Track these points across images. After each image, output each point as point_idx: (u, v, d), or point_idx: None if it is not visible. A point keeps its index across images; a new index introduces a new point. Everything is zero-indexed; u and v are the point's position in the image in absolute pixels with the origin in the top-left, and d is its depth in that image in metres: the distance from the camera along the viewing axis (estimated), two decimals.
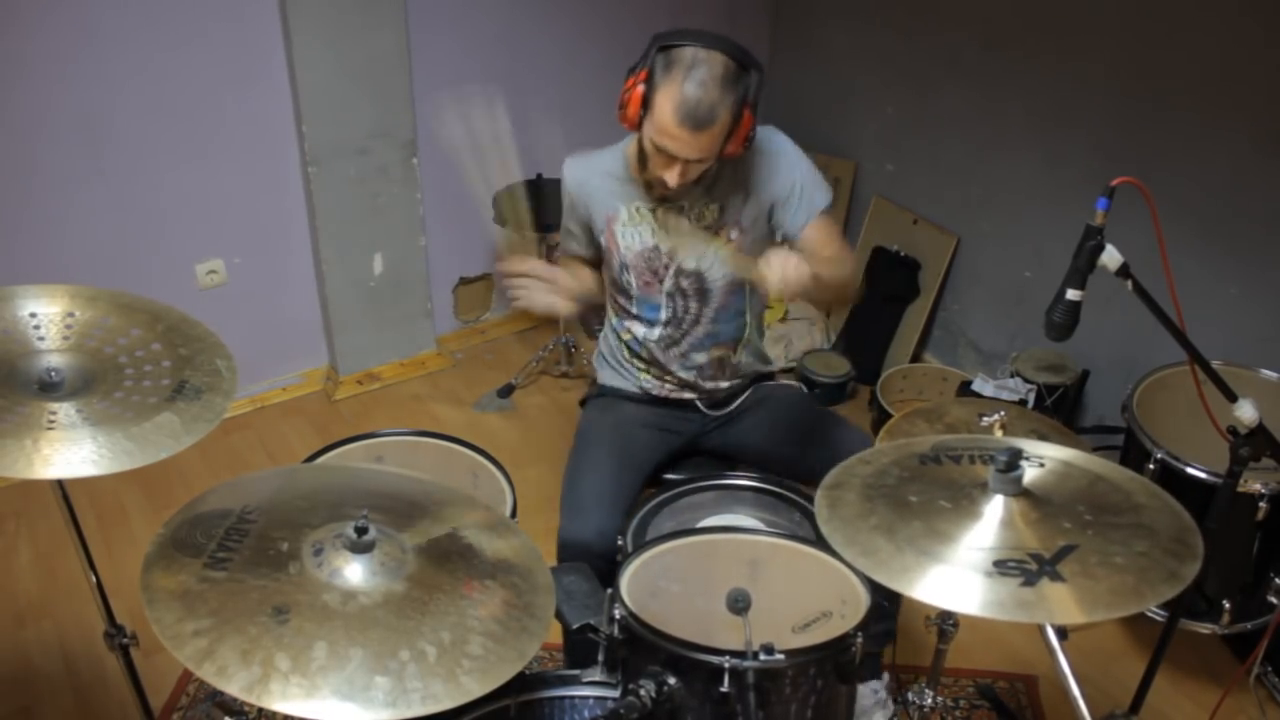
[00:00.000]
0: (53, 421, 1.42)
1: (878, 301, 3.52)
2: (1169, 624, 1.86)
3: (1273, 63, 2.45)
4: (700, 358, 2.18)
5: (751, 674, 1.42)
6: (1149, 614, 2.26)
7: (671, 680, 1.48)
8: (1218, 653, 2.47)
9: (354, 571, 1.33)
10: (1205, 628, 2.23)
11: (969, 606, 1.30)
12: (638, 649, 1.53)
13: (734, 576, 1.63)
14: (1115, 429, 2.89)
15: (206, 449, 2.01)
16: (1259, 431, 1.61)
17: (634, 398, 2.24)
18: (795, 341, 3.54)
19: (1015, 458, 1.43)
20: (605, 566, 1.92)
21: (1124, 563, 1.35)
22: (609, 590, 1.59)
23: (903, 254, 3.47)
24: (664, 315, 2.13)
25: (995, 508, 1.43)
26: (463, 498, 1.59)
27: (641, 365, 2.22)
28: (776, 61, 3.86)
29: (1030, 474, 1.49)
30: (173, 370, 1.56)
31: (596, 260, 2.21)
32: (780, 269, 1.78)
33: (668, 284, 2.10)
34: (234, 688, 1.16)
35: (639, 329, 2.18)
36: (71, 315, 1.61)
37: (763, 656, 1.43)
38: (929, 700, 2.16)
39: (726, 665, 1.43)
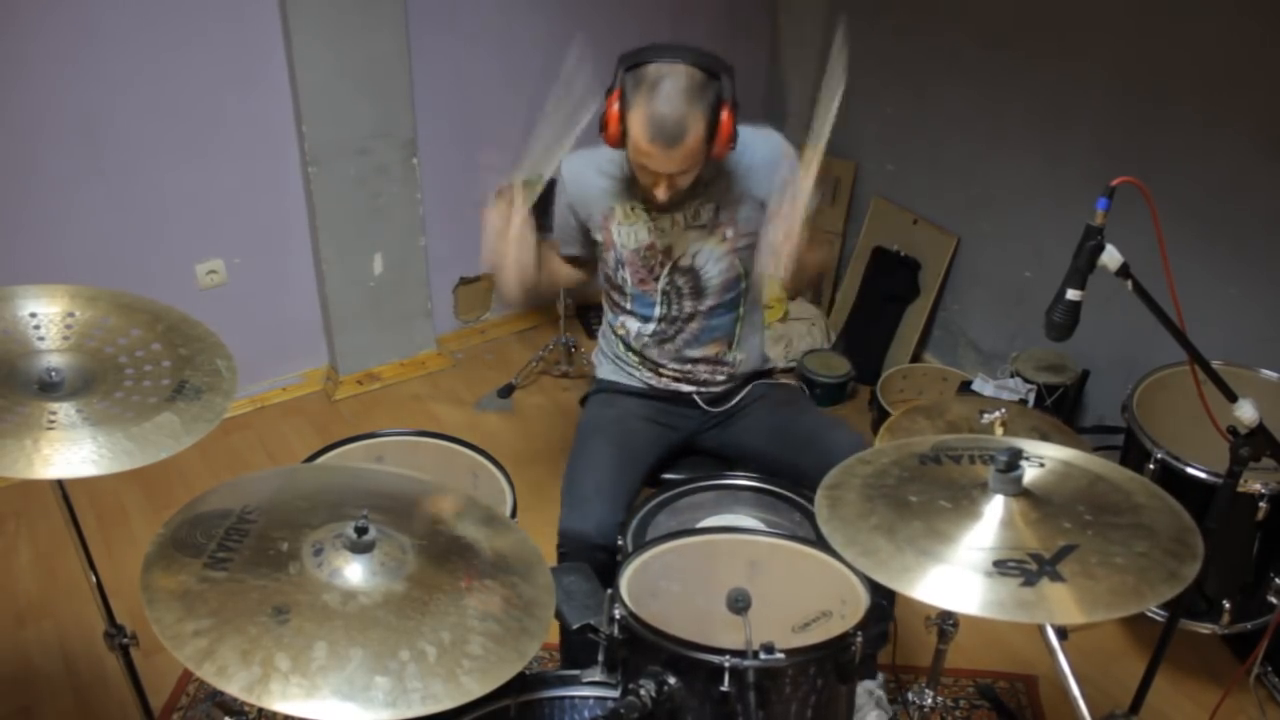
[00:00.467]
0: (53, 421, 1.43)
1: (878, 301, 3.52)
2: (1169, 624, 1.86)
3: (1273, 62, 2.45)
4: (694, 353, 2.18)
5: (751, 673, 1.42)
6: (1149, 614, 2.26)
7: (671, 680, 1.48)
8: (1218, 653, 2.47)
9: (354, 571, 1.33)
10: (1205, 628, 2.23)
11: (969, 606, 1.30)
12: (638, 649, 1.53)
13: (734, 576, 1.63)
14: (1115, 429, 2.89)
15: (206, 449, 2.01)
16: (1259, 431, 1.61)
17: (634, 392, 2.25)
18: (795, 341, 3.54)
19: (1015, 458, 1.43)
20: (605, 558, 1.92)
21: (1124, 563, 1.35)
22: (609, 590, 1.59)
23: (903, 254, 3.47)
24: (658, 312, 2.15)
25: (995, 508, 1.43)
26: (463, 498, 1.59)
27: (638, 360, 2.23)
28: (777, 62, 3.86)
29: (1030, 474, 1.49)
30: (173, 370, 1.57)
31: (588, 260, 2.22)
32: (780, 239, 1.86)
33: (663, 281, 2.11)
34: (234, 688, 1.16)
35: (633, 325, 2.19)
36: (71, 315, 1.61)
37: (763, 656, 1.43)
38: (929, 700, 2.16)
39: (726, 665, 1.43)
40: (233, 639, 1.20)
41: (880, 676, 2.14)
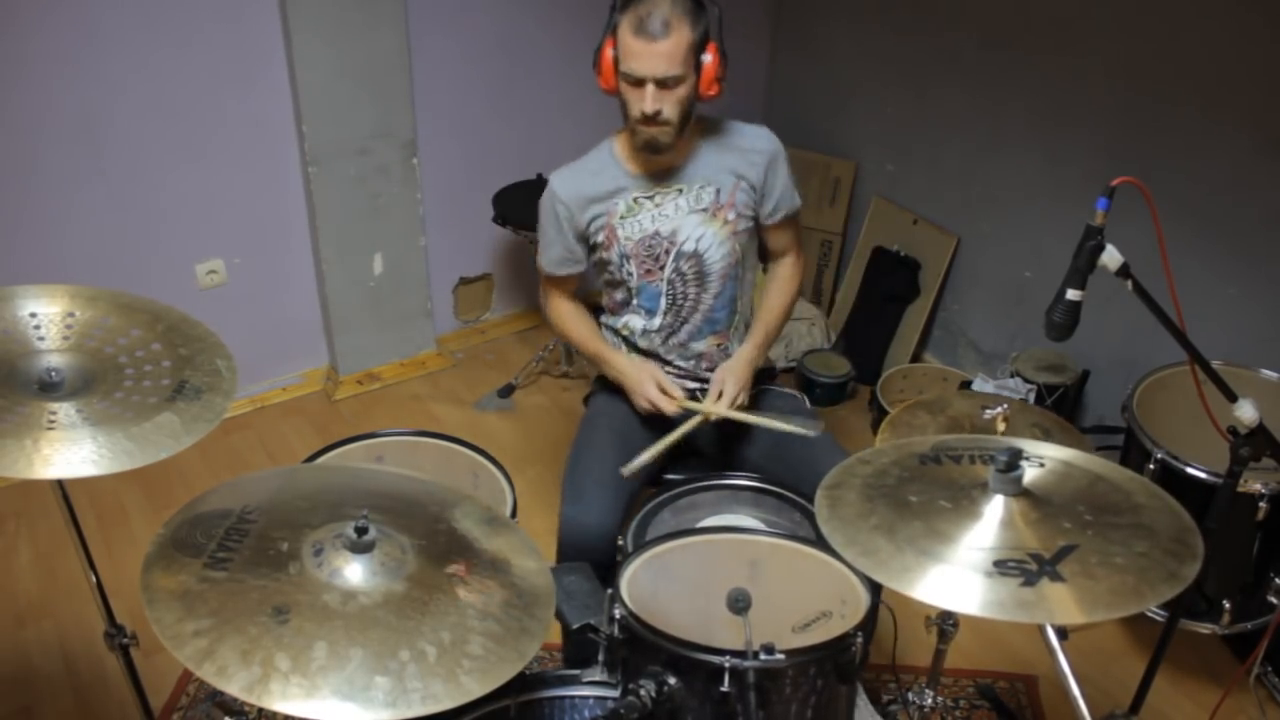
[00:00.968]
0: (53, 421, 1.42)
1: (878, 301, 3.52)
2: (1169, 624, 1.86)
3: (1273, 62, 2.45)
4: (699, 346, 2.20)
5: (752, 674, 1.42)
6: (1149, 614, 2.26)
7: (671, 680, 1.48)
8: (1218, 653, 2.47)
9: (354, 571, 1.33)
10: (1205, 628, 2.23)
11: (969, 606, 1.30)
12: (638, 649, 1.53)
13: (734, 576, 1.63)
14: (1115, 429, 2.89)
15: (206, 449, 2.01)
16: (1259, 431, 1.61)
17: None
18: (795, 341, 3.54)
19: (1015, 458, 1.43)
20: (606, 550, 1.92)
21: (1124, 563, 1.35)
22: (609, 590, 1.59)
23: (903, 254, 3.47)
24: (663, 303, 2.16)
25: (995, 508, 1.43)
26: (463, 498, 1.59)
27: (640, 358, 2.23)
28: (776, 61, 3.86)
29: (1030, 474, 1.49)
30: (173, 370, 1.57)
31: (580, 276, 2.26)
32: (724, 401, 2.07)
33: (668, 269, 2.13)
34: (234, 688, 1.16)
35: (637, 322, 2.20)
36: (72, 315, 1.61)
37: (763, 656, 1.43)
38: (929, 700, 2.16)
39: (727, 665, 1.43)
40: (233, 639, 1.20)
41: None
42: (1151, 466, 2.11)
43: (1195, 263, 2.63)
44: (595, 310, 2.33)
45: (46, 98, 2.71)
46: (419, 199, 3.32)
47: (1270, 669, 2.32)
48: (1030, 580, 1.32)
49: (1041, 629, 1.45)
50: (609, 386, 2.29)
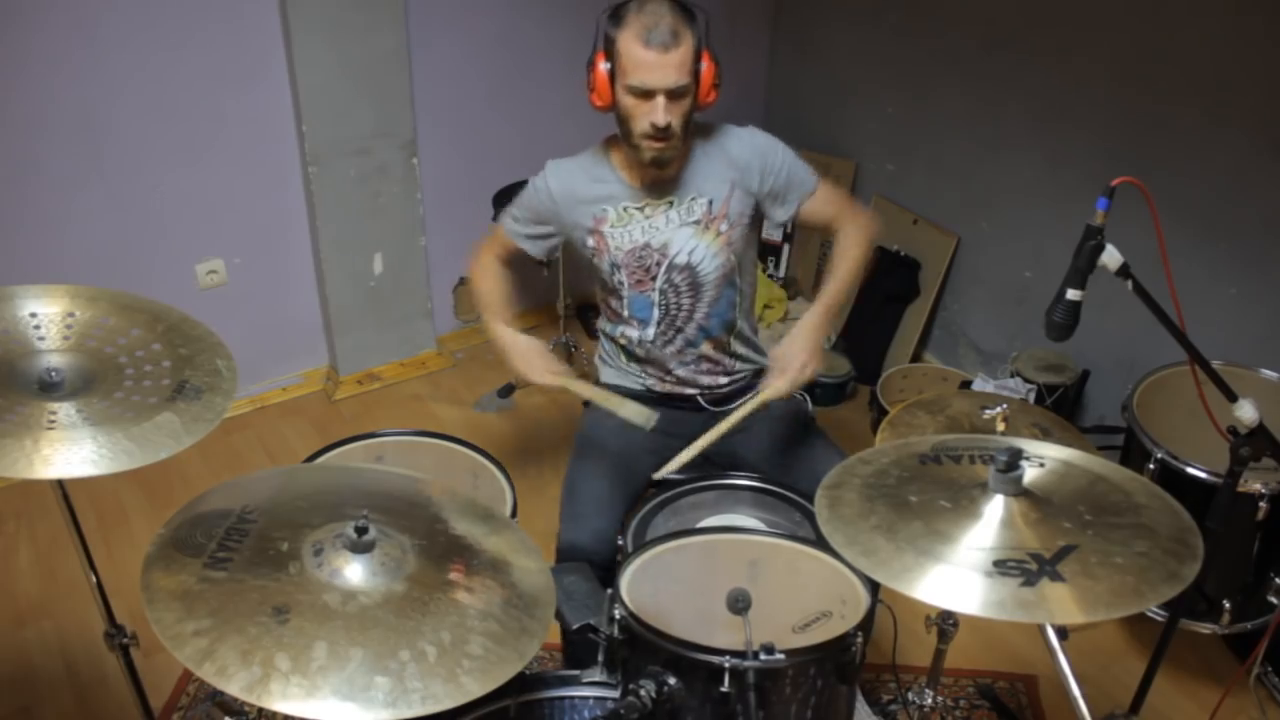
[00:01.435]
0: (53, 421, 1.42)
1: (878, 301, 3.52)
2: (1169, 624, 1.86)
3: (1273, 63, 2.45)
4: (696, 352, 2.18)
5: (752, 674, 1.42)
6: (1149, 614, 2.26)
7: (672, 680, 1.48)
8: (1218, 653, 2.46)
9: (354, 571, 1.33)
10: (1205, 628, 2.23)
11: (969, 606, 1.30)
12: (638, 649, 1.53)
13: (734, 576, 1.63)
14: (1115, 429, 2.89)
15: (206, 449, 2.01)
16: (1259, 431, 1.61)
17: (636, 397, 2.23)
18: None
19: (1015, 458, 1.43)
20: (603, 574, 1.92)
21: (1124, 563, 1.35)
22: (609, 590, 1.59)
23: (903, 254, 3.47)
24: (656, 314, 2.14)
25: (995, 508, 1.43)
26: (463, 498, 1.59)
27: (639, 366, 2.22)
28: (776, 61, 3.86)
29: (1030, 474, 1.49)
30: (173, 370, 1.56)
31: (519, 255, 2.27)
32: (788, 379, 1.97)
33: (660, 280, 2.10)
34: (234, 688, 1.16)
35: (632, 333, 2.18)
36: (72, 315, 1.61)
37: (763, 656, 1.43)
38: (929, 700, 2.16)
39: (727, 665, 1.43)
40: (233, 639, 1.20)
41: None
42: (1151, 466, 2.11)
43: (1195, 263, 2.63)
44: (584, 310, 2.31)
45: (47, 98, 2.71)
46: (419, 199, 3.32)
47: (1270, 669, 2.32)
48: (1030, 580, 1.31)
49: (1041, 629, 1.45)
50: (609, 390, 2.27)
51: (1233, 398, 1.59)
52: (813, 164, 2.16)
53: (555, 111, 3.48)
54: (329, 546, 1.35)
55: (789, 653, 1.45)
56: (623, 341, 2.21)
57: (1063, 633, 1.47)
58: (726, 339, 2.19)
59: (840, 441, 2.20)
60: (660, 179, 2.06)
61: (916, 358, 3.51)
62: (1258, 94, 2.50)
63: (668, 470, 1.99)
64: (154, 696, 2.07)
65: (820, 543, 1.74)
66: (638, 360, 2.22)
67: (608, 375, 2.29)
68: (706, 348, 2.18)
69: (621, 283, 2.12)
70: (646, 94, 1.91)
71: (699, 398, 2.22)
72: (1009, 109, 3.08)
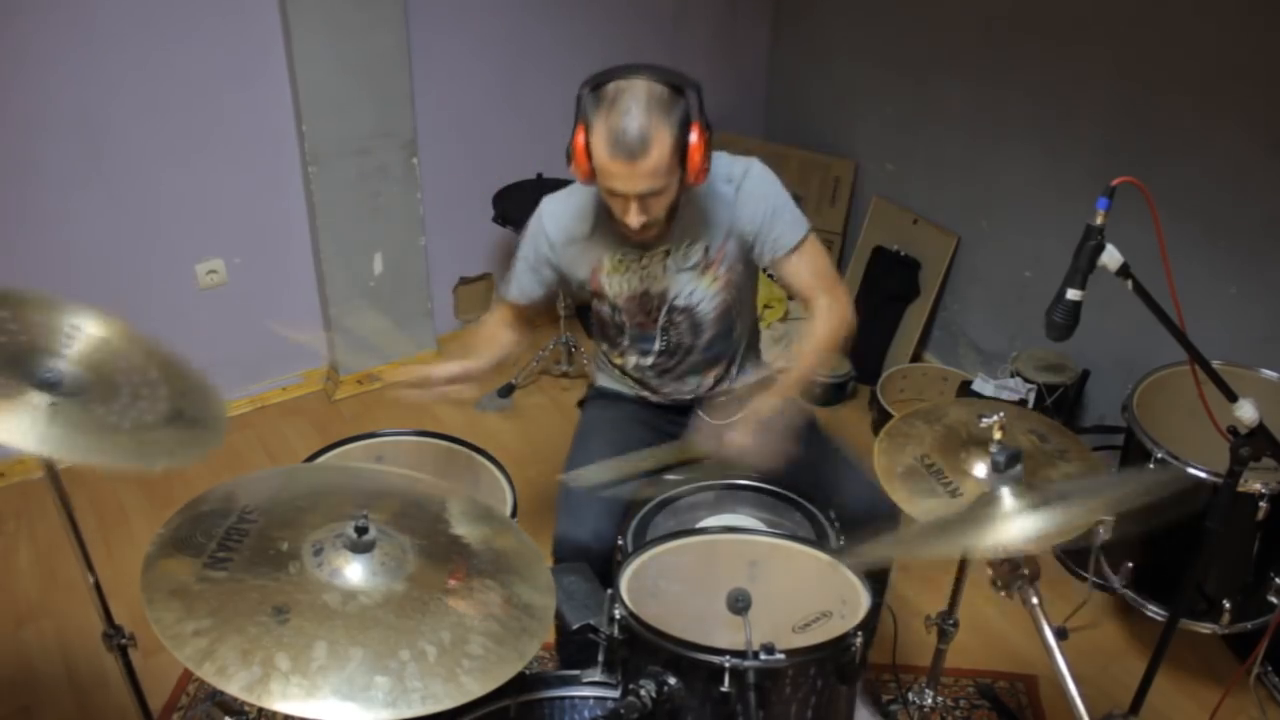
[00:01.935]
0: (55, 406, 1.43)
1: (878, 301, 3.52)
2: (1169, 624, 1.86)
3: (1273, 63, 2.45)
4: (696, 380, 2.17)
5: (752, 674, 1.42)
6: (1149, 614, 2.26)
7: (672, 680, 1.48)
8: (1218, 653, 2.46)
9: (354, 571, 1.33)
10: (1205, 628, 2.23)
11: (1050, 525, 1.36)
12: (638, 649, 1.53)
13: (734, 576, 1.63)
14: (1115, 429, 2.89)
15: None
16: (1259, 431, 1.61)
17: (632, 399, 2.24)
18: (795, 341, 3.54)
19: (1015, 458, 1.44)
20: (601, 567, 1.91)
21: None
22: (609, 590, 1.59)
23: (903, 254, 3.47)
24: (659, 346, 2.12)
25: (1007, 498, 1.45)
26: (463, 498, 1.59)
27: (635, 382, 2.21)
28: (776, 60, 3.86)
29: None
30: (169, 397, 1.58)
31: (543, 301, 2.16)
32: (740, 448, 1.85)
33: (661, 320, 2.08)
34: (234, 688, 1.16)
35: (632, 359, 2.17)
36: (107, 341, 1.60)
37: (763, 656, 1.43)
38: (929, 700, 2.16)
39: (727, 665, 1.43)
40: (233, 639, 1.20)
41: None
42: (1151, 466, 2.11)
43: (1195, 263, 2.63)
44: (584, 310, 2.28)
45: (46, 97, 2.71)
46: (419, 199, 3.31)
47: (1270, 669, 2.32)
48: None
49: (1041, 629, 1.45)
50: (604, 394, 2.28)
51: (1233, 398, 1.59)
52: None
53: (556, 111, 3.46)
54: (329, 546, 1.35)
55: (789, 653, 1.45)
56: (619, 362, 2.20)
57: (1062, 633, 1.47)
58: (728, 364, 2.19)
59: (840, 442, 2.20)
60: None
61: (916, 358, 3.51)
62: (1258, 94, 2.50)
63: (579, 477, 1.93)
64: (154, 697, 2.07)
65: (820, 543, 1.75)
66: (634, 381, 2.21)
67: (603, 379, 2.29)
68: (707, 375, 2.17)
69: (624, 323, 2.11)
70: (620, 194, 1.81)
71: (698, 410, 2.22)
72: (1009, 108, 3.08)
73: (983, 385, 3.06)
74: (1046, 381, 2.94)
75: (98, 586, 1.72)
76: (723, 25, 3.72)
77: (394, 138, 3.18)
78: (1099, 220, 1.47)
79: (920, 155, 3.43)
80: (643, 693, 1.47)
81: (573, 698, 1.59)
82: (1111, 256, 1.48)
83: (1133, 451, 2.25)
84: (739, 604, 1.47)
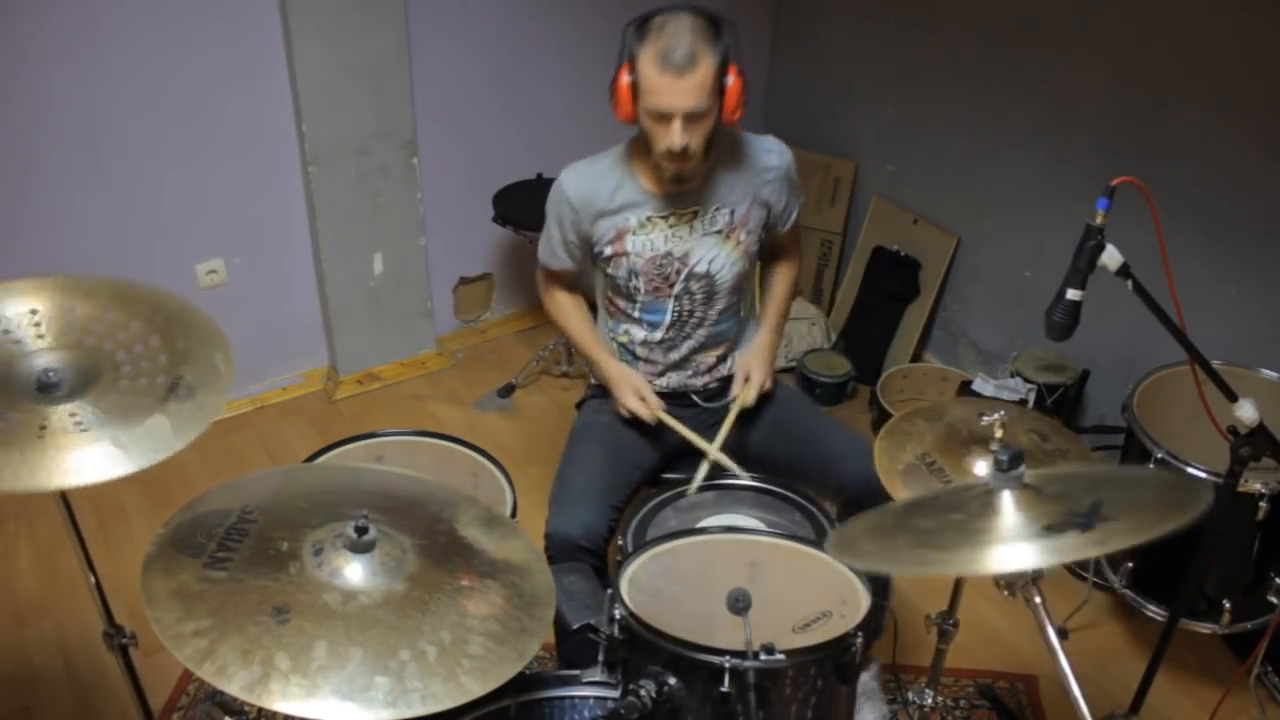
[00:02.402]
0: (43, 430, 1.42)
1: (878, 301, 3.52)
2: (1169, 624, 1.86)
3: (1273, 62, 2.45)
4: (698, 359, 2.19)
5: (752, 674, 1.42)
6: (1149, 614, 2.26)
7: (672, 680, 1.48)
8: (1218, 653, 2.46)
9: (354, 571, 1.33)
10: (1205, 628, 2.23)
11: (1044, 560, 1.30)
12: (638, 649, 1.53)
13: (734, 576, 1.63)
14: (1115, 429, 2.89)
15: (206, 449, 2.01)
16: (1259, 431, 1.61)
17: None
18: (795, 341, 3.54)
19: (1017, 458, 1.43)
20: (593, 561, 1.92)
21: (1144, 498, 1.37)
22: (609, 590, 1.59)
23: (903, 254, 3.47)
24: (668, 319, 2.14)
25: (1007, 501, 1.43)
26: (463, 498, 1.59)
27: (628, 368, 2.22)
28: (776, 61, 3.86)
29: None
30: (169, 366, 1.54)
31: (578, 272, 2.22)
32: (755, 388, 2.13)
33: (678, 288, 2.10)
34: (234, 688, 1.16)
35: (639, 333, 2.18)
36: (72, 309, 1.60)
37: (763, 656, 1.43)
38: (929, 700, 2.16)
39: (727, 665, 1.43)
40: (233, 639, 1.20)
41: (874, 665, 2.14)
42: (1151, 466, 2.11)
43: (1195, 263, 2.63)
44: (591, 308, 2.31)
45: (47, 97, 2.71)
46: (419, 199, 3.31)
47: (1270, 669, 2.32)
48: (1086, 525, 1.31)
49: (1041, 629, 1.45)
50: (601, 393, 2.28)
51: (1233, 398, 1.59)
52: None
53: (556, 111, 3.48)
54: (329, 546, 1.35)
55: (789, 653, 1.45)
56: (623, 339, 2.21)
57: (1063, 633, 1.47)
58: (729, 344, 2.21)
59: None
60: (684, 189, 2.05)
61: (916, 358, 3.51)
62: (1258, 94, 2.50)
63: (697, 482, 2.04)
64: (154, 696, 2.07)
65: (820, 543, 1.75)
66: (635, 359, 2.22)
67: (600, 378, 2.29)
68: (710, 353, 2.19)
69: (638, 288, 2.11)
70: (664, 116, 1.87)
71: (693, 395, 2.23)
72: (1009, 109, 3.08)
73: (983, 385, 3.06)
74: (1046, 381, 2.94)
75: (98, 586, 1.72)
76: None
77: (394, 138, 3.18)
78: (1099, 220, 1.47)
79: (920, 155, 3.43)
80: (643, 693, 1.47)
81: (573, 698, 1.59)
82: (1111, 256, 1.48)
83: (1133, 451, 2.25)
84: (739, 604, 1.47)
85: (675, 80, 1.83)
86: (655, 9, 1.88)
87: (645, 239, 2.07)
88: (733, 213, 2.07)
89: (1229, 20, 2.52)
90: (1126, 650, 2.50)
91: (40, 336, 1.56)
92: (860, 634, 1.52)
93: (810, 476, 2.10)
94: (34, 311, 1.59)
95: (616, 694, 1.56)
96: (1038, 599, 1.43)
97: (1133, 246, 1.55)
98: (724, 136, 2.04)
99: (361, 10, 2.96)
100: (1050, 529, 1.34)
